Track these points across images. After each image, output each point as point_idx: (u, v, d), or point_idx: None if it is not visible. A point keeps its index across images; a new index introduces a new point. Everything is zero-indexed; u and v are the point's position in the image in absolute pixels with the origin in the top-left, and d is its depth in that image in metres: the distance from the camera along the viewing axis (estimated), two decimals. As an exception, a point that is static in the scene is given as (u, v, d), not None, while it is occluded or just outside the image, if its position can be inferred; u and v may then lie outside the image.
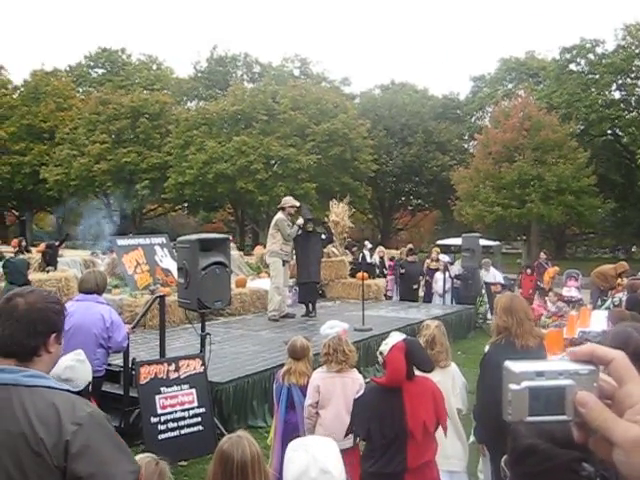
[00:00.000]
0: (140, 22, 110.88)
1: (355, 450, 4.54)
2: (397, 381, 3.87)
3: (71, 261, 14.28)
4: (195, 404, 6.60)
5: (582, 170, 32.65)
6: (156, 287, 11.44)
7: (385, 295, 15.47)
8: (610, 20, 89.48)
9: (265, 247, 12.89)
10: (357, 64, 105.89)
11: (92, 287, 6.00)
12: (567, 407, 0.81)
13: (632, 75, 38.63)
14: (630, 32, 36.79)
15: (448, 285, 15.15)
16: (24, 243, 16.60)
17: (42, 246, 14.40)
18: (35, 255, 14.14)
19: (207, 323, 7.74)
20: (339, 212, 15.69)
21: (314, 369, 5.11)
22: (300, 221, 11.62)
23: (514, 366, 0.82)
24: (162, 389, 6.47)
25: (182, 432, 6.45)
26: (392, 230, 51.22)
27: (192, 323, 8.03)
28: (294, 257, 12.16)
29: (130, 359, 6.93)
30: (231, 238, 9.36)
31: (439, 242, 25.35)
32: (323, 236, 12.54)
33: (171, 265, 11.94)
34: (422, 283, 16.11)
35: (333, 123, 36.96)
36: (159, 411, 6.37)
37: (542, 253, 19.33)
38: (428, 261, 16.43)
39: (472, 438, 4.89)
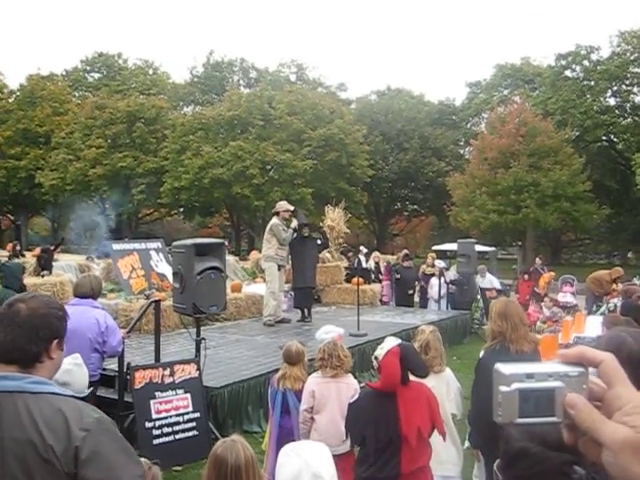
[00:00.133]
0: (137, 27, 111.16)
1: (350, 455, 4.53)
2: (391, 386, 3.87)
3: (66, 265, 14.24)
4: (190, 409, 6.59)
5: (577, 176, 32.79)
6: (151, 292, 11.41)
7: (380, 300, 15.46)
8: (605, 27, 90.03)
9: (261, 252, 12.88)
10: (353, 70, 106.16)
11: (87, 291, 5.98)
12: (557, 409, 0.81)
13: (627, 82, 38.86)
14: (625, 39, 37.01)
15: (443, 290, 15.15)
16: (18, 247, 16.56)
17: (37, 250, 14.35)
18: (30, 259, 14.10)
19: (202, 328, 7.72)
20: (334, 217, 15.69)
21: (309, 374, 5.11)
22: (294, 224, 11.61)
23: (504, 368, 0.83)
24: (157, 394, 6.45)
25: (177, 437, 6.43)
26: (388, 235, 51.30)
27: (187, 328, 8.01)
28: (290, 262, 12.17)
29: (125, 364, 6.90)
30: (226, 243, 9.36)
31: (435, 248, 25.39)
32: (319, 241, 12.54)
33: (166, 270, 11.92)
34: (417, 288, 16.11)
35: (329, 128, 37.03)
36: (154, 416, 6.35)
37: (538, 259, 19.37)
38: (424, 266, 16.43)
39: (467, 443, 4.89)
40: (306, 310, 12.03)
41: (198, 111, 43.70)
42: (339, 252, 16.06)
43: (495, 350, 4.31)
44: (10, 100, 46.36)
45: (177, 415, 6.49)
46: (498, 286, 15.77)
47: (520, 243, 37.21)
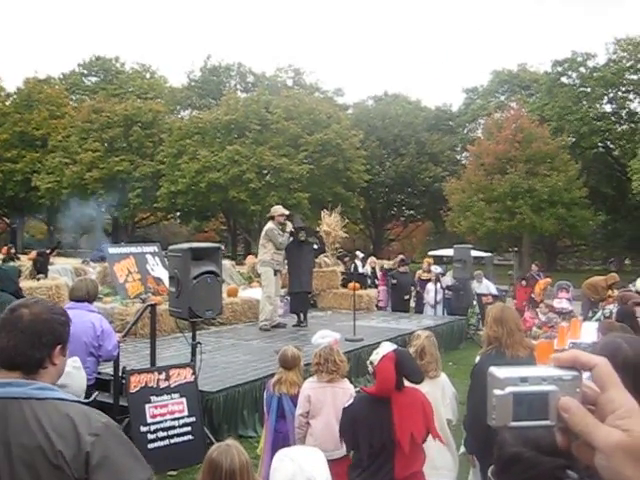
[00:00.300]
0: (134, 31, 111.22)
1: (346, 460, 4.52)
2: (386, 391, 3.87)
3: (62, 269, 14.20)
4: (185, 413, 6.58)
5: (574, 182, 32.86)
6: (147, 296, 11.40)
7: (377, 305, 15.47)
8: (601, 34, 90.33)
9: (257, 257, 12.87)
10: (350, 75, 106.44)
11: (83, 295, 5.98)
12: (550, 412, 0.82)
13: (623, 89, 39.01)
14: (621, 46, 37.17)
15: (440, 296, 15.15)
16: (13, 250, 16.51)
17: (33, 254, 14.33)
18: (25, 262, 14.07)
19: (198, 332, 7.71)
20: (331, 222, 15.71)
21: (305, 379, 5.10)
22: (289, 227, 11.61)
23: (498, 372, 0.83)
24: (152, 398, 6.44)
25: (172, 441, 6.41)
26: (384, 241, 51.33)
27: (183, 332, 8.01)
28: (286, 266, 12.16)
29: (120, 368, 6.89)
30: (223, 248, 9.35)
31: (431, 253, 25.41)
32: (315, 246, 12.54)
33: (162, 274, 11.91)
34: (413, 294, 16.11)
35: (326, 133, 37.07)
36: (149, 420, 6.34)
37: (534, 265, 19.42)
38: (420, 272, 16.44)
39: (462, 449, 4.88)
40: (302, 315, 12.02)
41: (195, 115, 43.70)
42: (335, 257, 16.07)
43: (491, 355, 4.32)
44: (7, 103, 46.31)
45: (172, 419, 6.48)
46: (495, 292, 15.79)
47: (516, 249, 37.27)
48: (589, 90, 38.37)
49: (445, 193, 36.08)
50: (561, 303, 14.88)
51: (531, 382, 0.82)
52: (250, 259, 17.56)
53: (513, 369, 0.84)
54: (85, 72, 53.65)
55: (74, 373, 4.15)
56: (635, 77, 37.90)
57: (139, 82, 50.56)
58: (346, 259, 18.77)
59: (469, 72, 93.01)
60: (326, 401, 4.78)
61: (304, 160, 37.18)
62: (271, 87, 44.78)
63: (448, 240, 34.37)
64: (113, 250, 12.69)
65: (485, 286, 15.66)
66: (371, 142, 42.89)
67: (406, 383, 3.98)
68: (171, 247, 7.69)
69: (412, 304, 16.18)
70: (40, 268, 13.06)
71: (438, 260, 21.39)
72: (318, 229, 15.73)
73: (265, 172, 37.51)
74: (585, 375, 0.83)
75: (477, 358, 4.69)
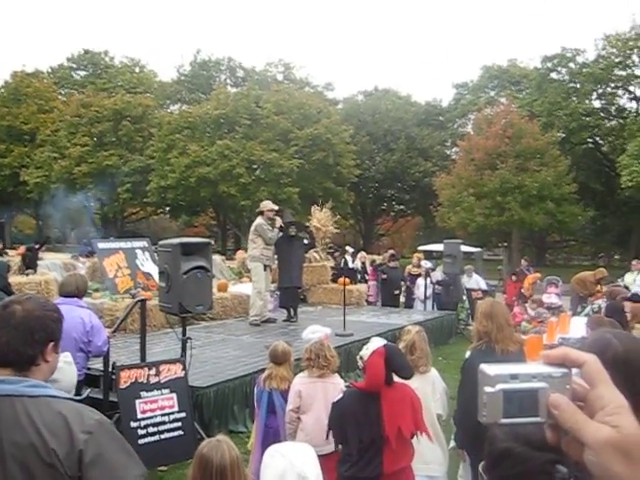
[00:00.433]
0: (123, 25, 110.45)
1: (336, 455, 4.54)
2: (376, 386, 3.89)
3: (51, 264, 14.14)
4: (175, 409, 6.56)
5: (563, 178, 32.97)
6: (137, 291, 11.38)
7: (367, 300, 15.49)
8: (591, 30, 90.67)
9: (247, 252, 12.86)
10: (341, 69, 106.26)
11: (72, 290, 5.96)
12: (540, 409, 0.82)
13: (612, 85, 39.15)
14: (610, 42, 37.26)
15: (429, 291, 15.20)
16: (1, 245, 16.38)
17: (22, 249, 14.24)
18: (14, 258, 13.98)
19: (188, 327, 7.70)
20: (321, 217, 15.70)
21: (295, 374, 5.11)
22: (278, 223, 11.59)
23: (489, 369, 0.84)
24: (142, 393, 6.42)
25: (162, 437, 6.40)
26: (374, 236, 51.36)
27: (173, 327, 8.00)
28: (276, 261, 12.16)
29: (110, 363, 6.87)
30: (212, 243, 9.34)
31: (421, 248, 25.44)
32: (306, 241, 12.54)
33: (152, 269, 11.88)
34: (403, 289, 16.15)
35: (316, 128, 37.01)
36: (139, 416, 6.32)
37: (523, 260, 19.49)
38: (410, 267, 16.47)
39: (452, 443, 4.91)
40: (292, 310, 12.03)
41: (185, 110, 43.50)
42: (325, 252, 16.07)
43: (481, 350, 4.34)
44: (-6, 97, 45.99)
45: (162, 415, 6.46)
46: (484, 287, 15.84)
47: (506, 244, 37.39)
48: (578, 86, 38.48)
49: (435, 188, 36.10)
50: (550, 298, 14.93)
51: (521, 379, 0.83)
52: (240, 254, 17.53)
53: (503, 366, 0.84)
54: (74, 66, 53.30)
55: (65, 368, 4.14)
56: (624, 73, 38.02)
57: (128, 76, 50.26)
58: (336, 254, 18.79)
59: (459, 67, 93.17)
60: (317, 396, 4.78)
61: (294, 155, 37.13)
62: (261, 82, 44.66)
63: (438, 235, 34.46)
64: (102, 245, 12.64)
65: (475, 281, 15.72)
66: (361, 137, 42.87)
67: (396, 378, 3.99)
68: (161, 242, 7.67)
69: (402, 299, 16.22)
70: (29, 263, 12.98)
71: (428, 255, 21.45)
72: (308, 224, 15.72)
73: (255, 167, 37.44)
74: (574, 372, 0.84)
75: (467, 353, 4.71)
